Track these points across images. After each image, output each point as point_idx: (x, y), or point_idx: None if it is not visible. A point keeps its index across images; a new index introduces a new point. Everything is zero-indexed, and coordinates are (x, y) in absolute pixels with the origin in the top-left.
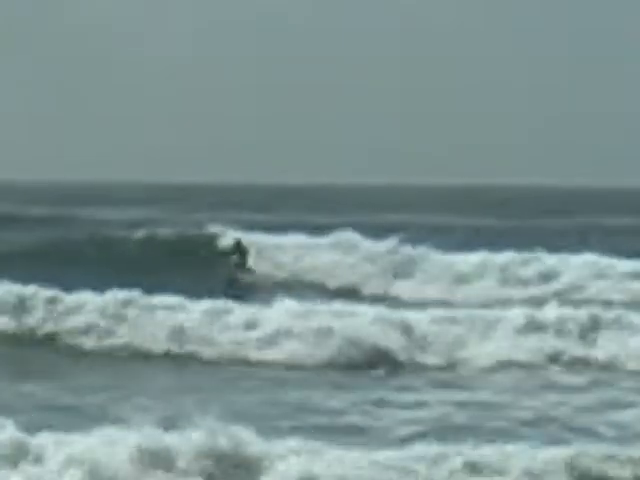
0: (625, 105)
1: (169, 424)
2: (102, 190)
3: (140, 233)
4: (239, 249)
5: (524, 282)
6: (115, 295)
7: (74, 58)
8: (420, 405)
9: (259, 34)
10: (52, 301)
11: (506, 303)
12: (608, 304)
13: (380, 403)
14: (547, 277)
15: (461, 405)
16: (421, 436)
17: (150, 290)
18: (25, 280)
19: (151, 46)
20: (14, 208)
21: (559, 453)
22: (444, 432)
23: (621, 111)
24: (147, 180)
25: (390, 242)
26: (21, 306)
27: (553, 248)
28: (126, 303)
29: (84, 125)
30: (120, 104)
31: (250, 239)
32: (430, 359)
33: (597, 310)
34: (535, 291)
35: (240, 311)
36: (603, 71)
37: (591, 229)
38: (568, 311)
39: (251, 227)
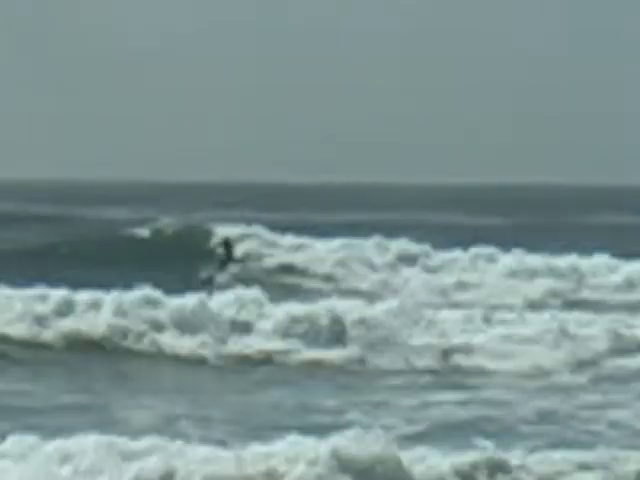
0: (625, 105)
1: (171, 429)
2: (102, 189)
3: (137, 231)
4: (226, 247)
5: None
6: (122, 296)
7: (74, 58)
8: (424, 405)
9: (259, 34)
10: (66, 301)
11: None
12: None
13: (383, 403)
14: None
15: (465, 404)
16: (423, 435)
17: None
18: (30, 278)
19: (151, 46)
20: (15, 207)
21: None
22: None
23: (621, 111)
24: (146, 179)
25: (399, 242)
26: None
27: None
28: (138, 303)
29: (84, 125)
30: (120, 104)
31: (251, 237)
32: (443, 359)
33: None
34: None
35: (245, 311)
36: (603, 71)
37: (597, 227)
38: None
39: (251, 225)
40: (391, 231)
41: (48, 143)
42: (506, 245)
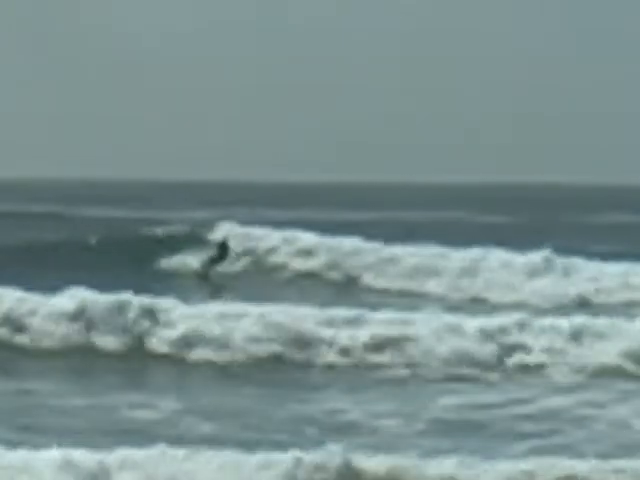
0: (625, 105)
1: (175, 431)
2: (102, 189)
3: (138, 231)
4: (221, 247)
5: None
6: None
7: (74, 58)
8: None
9: (259, 34)
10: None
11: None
12: None
13: (384, 403)
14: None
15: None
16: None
17: (144, 289)
18: (30, 278)
19: (151, 46)
20: (16, 207)
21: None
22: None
23: (621, 111)
24: (146, 179)
25: (407, 247)
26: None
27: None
28: (147, 308)
29: (84, 125)
30: (120, 104)
31: (258, 235)
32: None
33: None
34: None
35: (252, 312)
36: (603, 71)
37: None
38: None
39: (251, 225)
40: (394, 230)
41: (48, 143)
42: (510, 245)
